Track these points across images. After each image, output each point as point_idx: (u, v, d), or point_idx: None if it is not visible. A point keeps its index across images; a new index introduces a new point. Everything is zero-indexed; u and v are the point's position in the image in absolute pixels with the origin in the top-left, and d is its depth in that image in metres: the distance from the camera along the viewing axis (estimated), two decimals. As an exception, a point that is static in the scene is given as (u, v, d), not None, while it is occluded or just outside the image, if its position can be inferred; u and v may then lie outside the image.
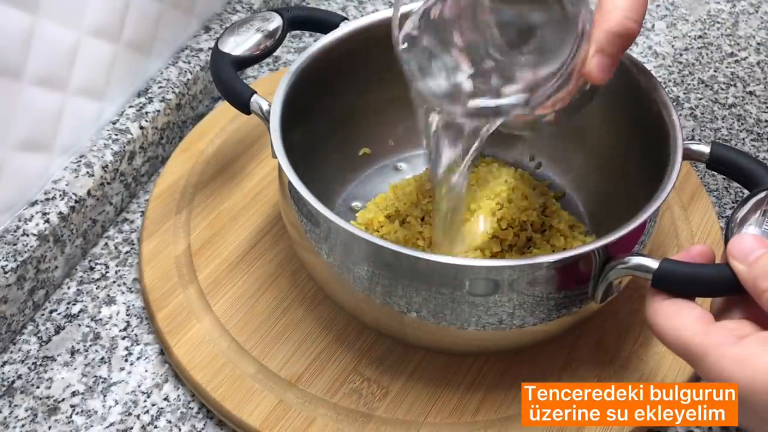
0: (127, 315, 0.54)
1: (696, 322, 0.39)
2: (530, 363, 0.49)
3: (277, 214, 0.58)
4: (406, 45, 0.43)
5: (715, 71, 0.74)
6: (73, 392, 0.50)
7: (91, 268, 0.56)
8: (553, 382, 0.42)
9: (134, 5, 0.58)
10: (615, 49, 0.40)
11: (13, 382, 0.50)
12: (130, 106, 0.61)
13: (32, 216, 0.53)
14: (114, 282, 0.56)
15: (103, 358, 0.51)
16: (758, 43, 0.77)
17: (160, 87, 0.63)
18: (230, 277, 0.54)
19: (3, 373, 0.50)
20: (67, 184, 0.55)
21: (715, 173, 0.57)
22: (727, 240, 0.41)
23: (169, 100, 0.62)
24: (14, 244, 0.51)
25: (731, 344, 0.37)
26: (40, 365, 0.51)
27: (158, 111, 0.61)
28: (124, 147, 0.59)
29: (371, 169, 0.60)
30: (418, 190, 0.56)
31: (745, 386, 0.36)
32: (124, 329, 0.53)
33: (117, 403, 0.49)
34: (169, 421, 0.48)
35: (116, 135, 0.59)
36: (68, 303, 0.54)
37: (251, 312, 0.52)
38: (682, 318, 0.39)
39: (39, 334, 0.52)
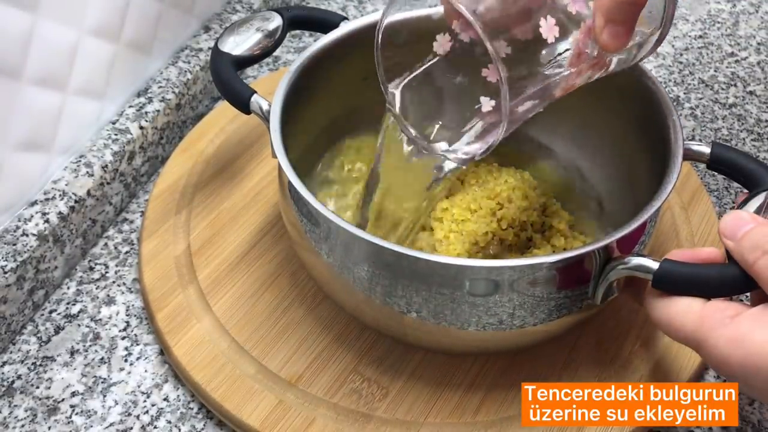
0: (127, 315, 0.54)
1: (688, 312, 0.39)
2: (530, 363, 0.49)
3: (277, 214, 0.58)
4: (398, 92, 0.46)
5: (715, 71, 0.74)
6: (73, 392, 0.49)
7: (91, 268, 0.56)
8: (553, 382, 0.42)
9: (134, 5, 0.58)
10: (625, 16, 0.39)
11: (12, 382, 0.50)
12: (130, 106, 0.61)
13: (32, 216, 0.53)
14: (114, 282, 0.56)
15: (102, 359, 0.51)
16: (758, 43, 0.77)
17: (160, 87, 0.63)
18: (230, 277, 0.54)
19: (3, 373, 0.50)
20: (66, 184, 0.55)
21: (716, 173, 0.57)
22: None
23: (169, 100, 0.62)
24: (14, 244, 0.51)
25: (725, 326, 0.37)
26: (40, 365, 0.51)
27: (158, 111, 0.61)
28: (124, 147, 0.58)
29: (371, 169, 0.60)
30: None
31: (740, 366, 0.36)
32: (124, 329, 0.53)
33: (117, 404, 0.49)
34: (169, 422, 0.48)
35: (116, 135, 0.59)
36: (68, 303, 0.54)
37: (251, 312, 0.52)
38: (676, 310, 0.40)
39: (39, 335, 0.52)
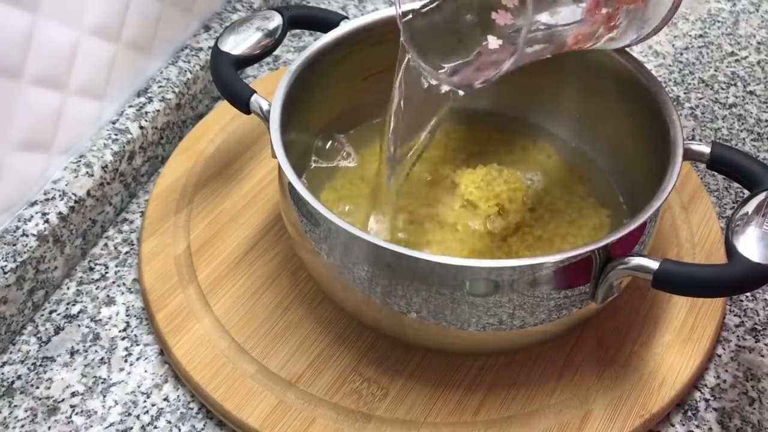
0: (127, 315, 0.54)
1: None
2: (530, 363, 0.49)
3: (277, 214, 0.58)
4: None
5: (715, 70, 0.74)
6: (73, 392, 0.49)
7: (91, 269, 0.56)
8: None
9: (134, 5, 0.58)
10: None
11: (12, 382, 0.50)
12: (130, 106, 0.61)
13: (32, 216, 0.53)
14: (114, 282, 0.56)
15: (102, 359, 0.51)
16: (759, 43, 0.77)
17: (160, 86, 0.63)
18: (230, 277, 0.54)
19: (3, 373, 0.50)
20: (66, 185, 0.55)
21: (716, 173, 0.57)
22: (727, 240, 0.41)
23: (169, 99, 0.62)
24: (14, 245, 0.51)
25: None
26: (40, 366, 0.51)
27: (158, 111, 0.61)
28: (124, 147, 0.59)
29: (371, 169, 0.60)
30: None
31: None
32: (124, 330, 0.53)
33: (117, 404, 0.49)
34: (169, 422, 0.48)
35: (116, 135, 0.59)
36: (68, 303, 0.54)
37: (251, 312, 0.52)
38: None
39: (38, 335, 0.52)
